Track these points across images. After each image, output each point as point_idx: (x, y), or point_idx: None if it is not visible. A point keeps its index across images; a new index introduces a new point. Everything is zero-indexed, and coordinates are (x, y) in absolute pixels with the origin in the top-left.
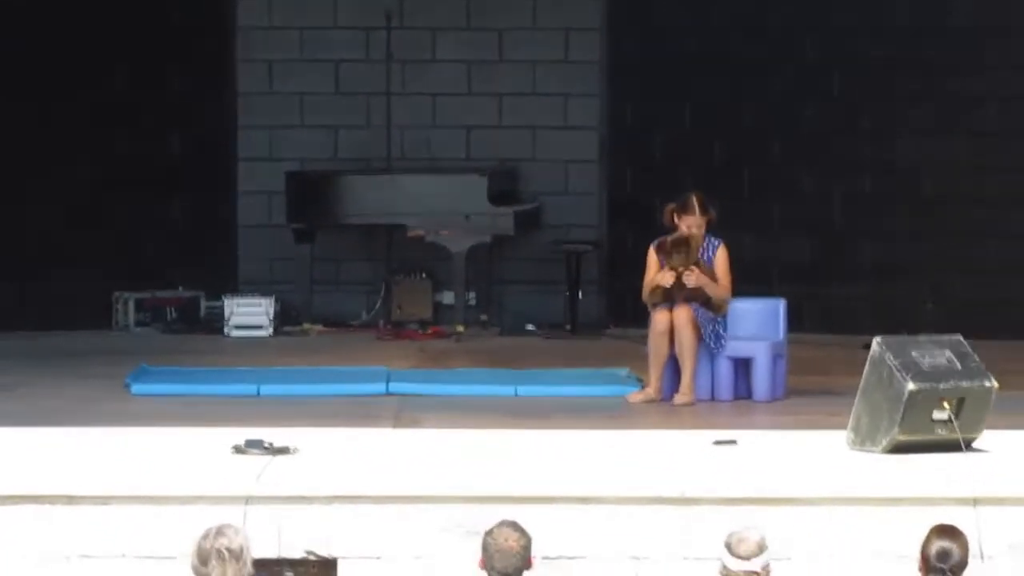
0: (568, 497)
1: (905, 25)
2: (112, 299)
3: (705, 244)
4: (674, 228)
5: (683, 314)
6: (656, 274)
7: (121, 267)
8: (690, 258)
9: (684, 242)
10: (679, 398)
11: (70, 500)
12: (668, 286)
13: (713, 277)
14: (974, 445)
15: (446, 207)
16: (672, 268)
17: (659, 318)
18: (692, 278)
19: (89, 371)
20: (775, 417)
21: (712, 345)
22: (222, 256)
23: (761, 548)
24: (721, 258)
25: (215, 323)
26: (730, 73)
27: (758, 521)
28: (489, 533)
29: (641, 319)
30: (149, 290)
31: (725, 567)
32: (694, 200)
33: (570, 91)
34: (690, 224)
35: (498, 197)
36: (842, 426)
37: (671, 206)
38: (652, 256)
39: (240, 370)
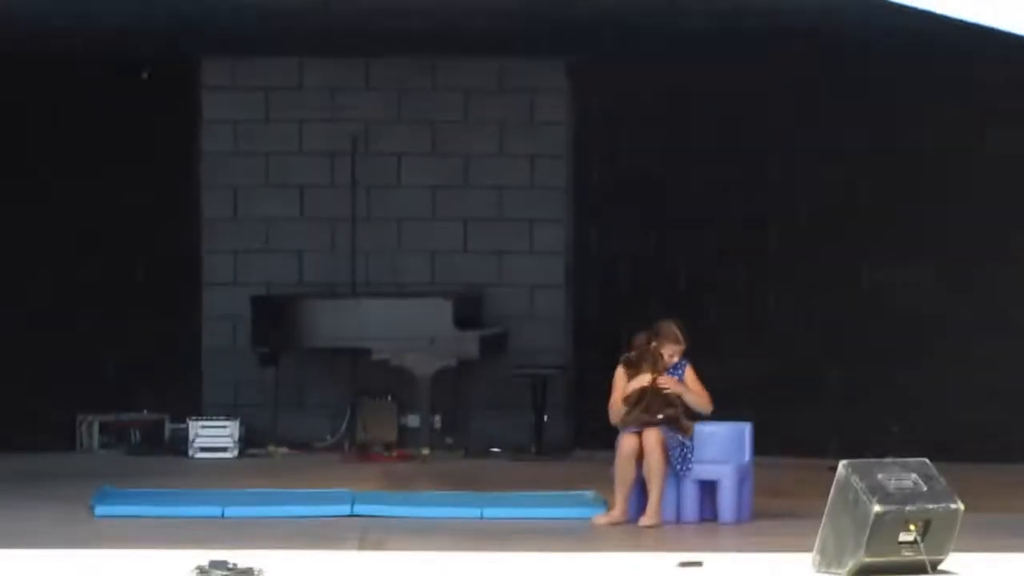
0: None
1: (868, 149)
2: (76, 421)
3: (672, 367)
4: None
5: (652, 437)
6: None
7: (85, 389)
8: (658, 367)
9: (651, 352)
10: (645, 520)
11: None
12: (645, 384)
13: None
14: (940, 568)
15: (411, 331)
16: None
17: (627, 442)
18: (670, 382)
19: (53, 492)
20: (741, 539)
21: (679, 468)
22: (187, 379)
23: None
24: (690, 375)
25: (179, 445)
26: (694, 198)
27: None
28: None
29: (607, 442)
30: (113, 412)
31: None
32: (675, 328)
33: (536, 216)
34: (672, 353)
35: (463, 321)
36: (808, 548)
37: (643, 336)
38: (620, 373)
39: (205, 492)
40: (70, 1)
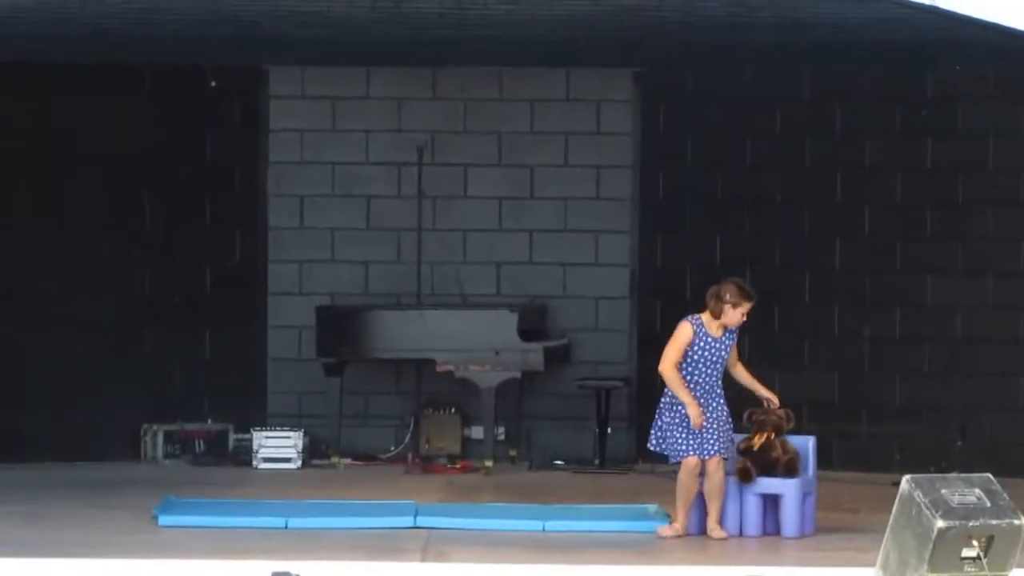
0: None
1: (936, 165)
2: (141, 431)
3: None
4: (717, 313)
5: (715, 460)
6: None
7: (150, 399)
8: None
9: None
10: (715, 533)
11: None
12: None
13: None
14: None
15: (476, 343)
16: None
17: (690, 460)
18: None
19: (117, 502)
20: (804, 553)
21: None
22: (251, 389)
23: None
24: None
25: (243, 456)
26: (761, 210)
27: None
28: None
29: None
30: (178, 422)
31: None
32: (746, 286)
33: (601, 227)
34: (747, 311)
35: (528, 333)
36: (871, 563)
37: (720, 289)
38: (686, 329)
39: (268, 503)
40: (138, 10)
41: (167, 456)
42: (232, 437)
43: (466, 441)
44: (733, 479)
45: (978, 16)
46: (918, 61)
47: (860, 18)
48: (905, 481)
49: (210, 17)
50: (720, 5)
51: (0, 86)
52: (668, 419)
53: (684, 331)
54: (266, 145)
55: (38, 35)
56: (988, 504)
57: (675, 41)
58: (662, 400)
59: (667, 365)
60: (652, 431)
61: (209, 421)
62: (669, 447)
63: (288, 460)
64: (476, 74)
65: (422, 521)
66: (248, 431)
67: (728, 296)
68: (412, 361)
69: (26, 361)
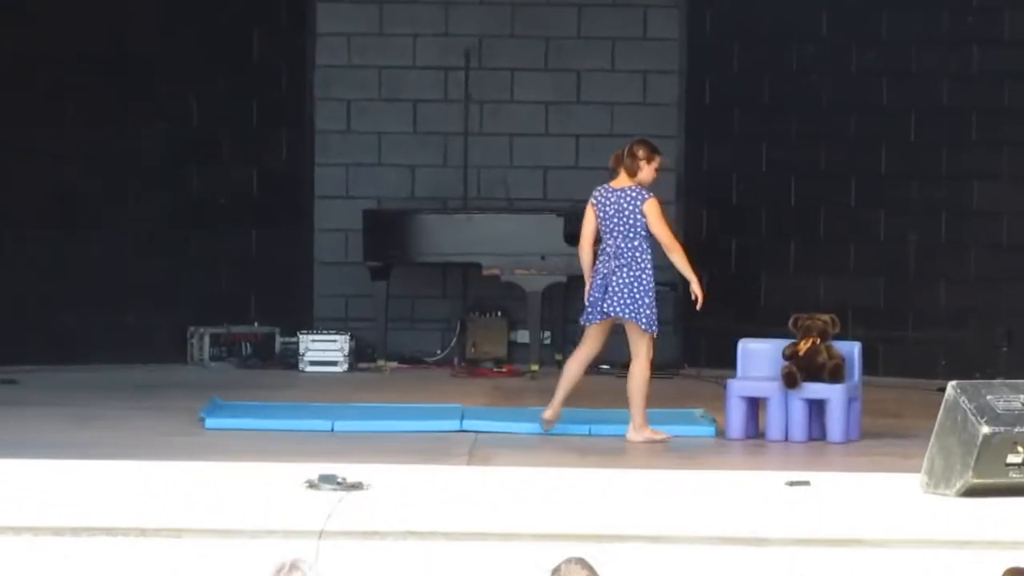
0: (639, 536)
1: (983, 70)
2: (187, 333)
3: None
4: (633, 171)
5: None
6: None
7: (197, 302)
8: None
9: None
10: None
11: (142, 532)
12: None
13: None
14: None
15: (522, 247)
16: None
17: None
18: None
19: (164, 404)
20: (849, 459)
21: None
22: (298, 292)
23: None
24: (653, 209)
25: (290, 359)
26: (806, 115)
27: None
28: (556, 570)
29: (716, 359)
30: (224, 325)
31: None
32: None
33: (648, 132)
34: (661, 164)
35: (574, 237)
36: (916, 469)
37: (631, 148)
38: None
39: (314, 406)
40: None
41: (213, 359)
42: (278, 340)
43: (512, 345)
44: (779, 384)
45: None
46: None
47: None
48: (950, 387)
49: None
50: None
51: None
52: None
53: (656, 205)
54: (313, 48)
55: None
56: None
57: None
58: (644, 271)
59: (675, 241)
60: (649, 313)
61: (256, 324)
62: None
63: (334, 363)
64: None
65: (468, 424)
66: (295, 334)
67: (640, 152)
68: (458, 265)
69: (75, 265)
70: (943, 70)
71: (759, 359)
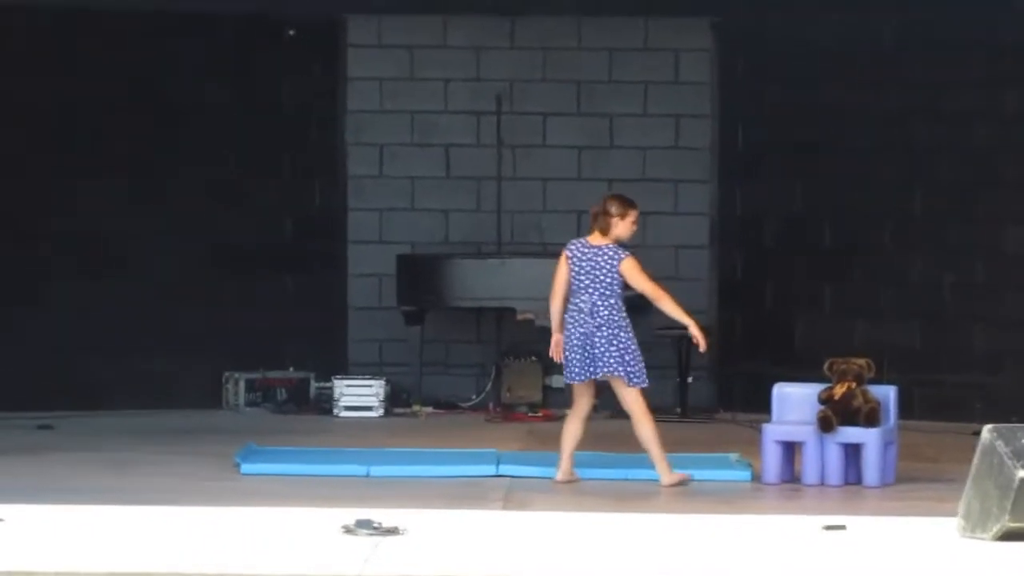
0: None
1: (1016, 111)
2: (223, 379)
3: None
4: (606, 229)
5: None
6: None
7: (232, 347)
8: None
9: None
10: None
11: None
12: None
13: None
14: None
15: None
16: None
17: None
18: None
19: (199, 450)
20: (885, 503)
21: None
22: (333, 338)
23: None
24: (631, 267)
25: (325, 404)
26: (839, 158)
27: None
28: None
29: (751, 404)
30: (259, 370)
31: None
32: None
33: (680, 177)
34: (636, 218)
35: None
36: (952, 513)
37: (601, 207)
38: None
39: (350, 451)
40: None
41: (248, 404)
42: (313, 385)
43: (547, 389)
44: (814, 428)
45: None
46: (998, 5)
47: None
48: (986, 431)
49: None
50: None
51: (83, 33)
52: (634, 345)
53: (634, 263)
54: (344, 94)
55: None
56: None
57: None
58: (623, 328)
59: (661, 291)
60: (638, 365)
61: (291, 369)
62: (641, 374)
63: (369, 408)
64: (554, 23)
65: (504, 469)
66: (329, 379)
67: (613, 209)
68: (492, 309)
69: (111, 310)
70: (976, 111)
71: (794, 403)
